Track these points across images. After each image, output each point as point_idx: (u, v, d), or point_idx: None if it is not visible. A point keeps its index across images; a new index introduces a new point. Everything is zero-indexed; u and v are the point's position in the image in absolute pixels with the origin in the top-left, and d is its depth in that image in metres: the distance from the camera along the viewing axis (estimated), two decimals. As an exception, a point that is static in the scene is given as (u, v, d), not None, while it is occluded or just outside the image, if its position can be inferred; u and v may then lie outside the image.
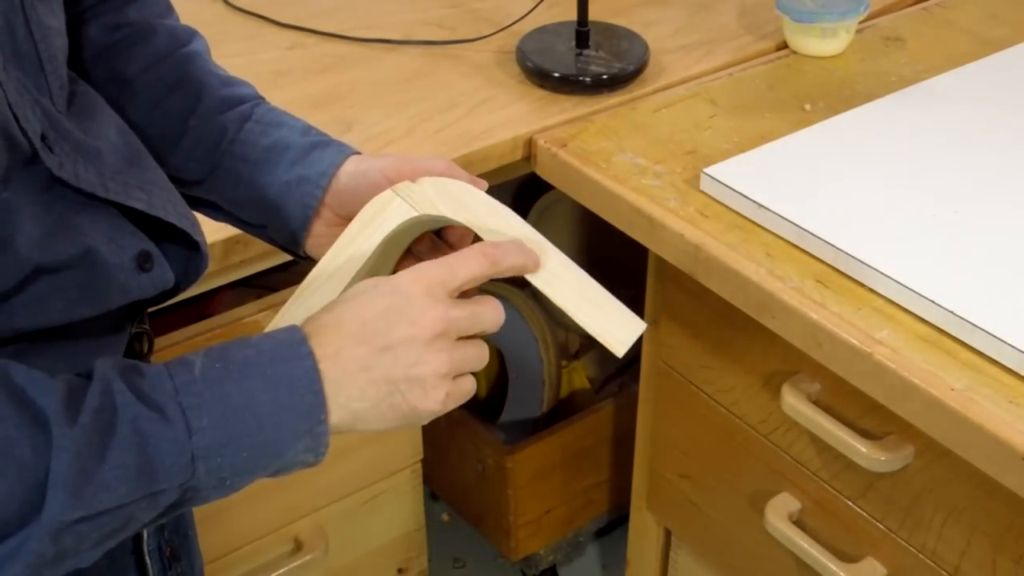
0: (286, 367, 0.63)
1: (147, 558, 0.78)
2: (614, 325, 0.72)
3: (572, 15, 1.28)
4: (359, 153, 0.82)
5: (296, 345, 0.64)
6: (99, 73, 0.81)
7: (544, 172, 1.17)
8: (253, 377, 0.62)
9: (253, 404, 0.62)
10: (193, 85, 0.82)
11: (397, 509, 1.36)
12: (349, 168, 0.80)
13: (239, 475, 0.64)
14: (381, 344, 0.65)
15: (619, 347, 0.72)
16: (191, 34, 0.85)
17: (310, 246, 0.81)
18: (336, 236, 0.77)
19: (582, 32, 1.28)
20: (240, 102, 0.83)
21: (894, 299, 0.94)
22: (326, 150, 0.81)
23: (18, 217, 0.63)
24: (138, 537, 0.77)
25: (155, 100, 0.81)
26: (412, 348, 0.65)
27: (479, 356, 0.69)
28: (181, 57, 0.83)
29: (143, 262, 0.70)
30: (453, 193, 0.74)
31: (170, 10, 0.86)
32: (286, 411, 0.63)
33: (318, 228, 0.81)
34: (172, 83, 0.82)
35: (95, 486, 0.59)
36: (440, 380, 0.66)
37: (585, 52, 1.28)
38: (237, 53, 1.32)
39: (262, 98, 0.85)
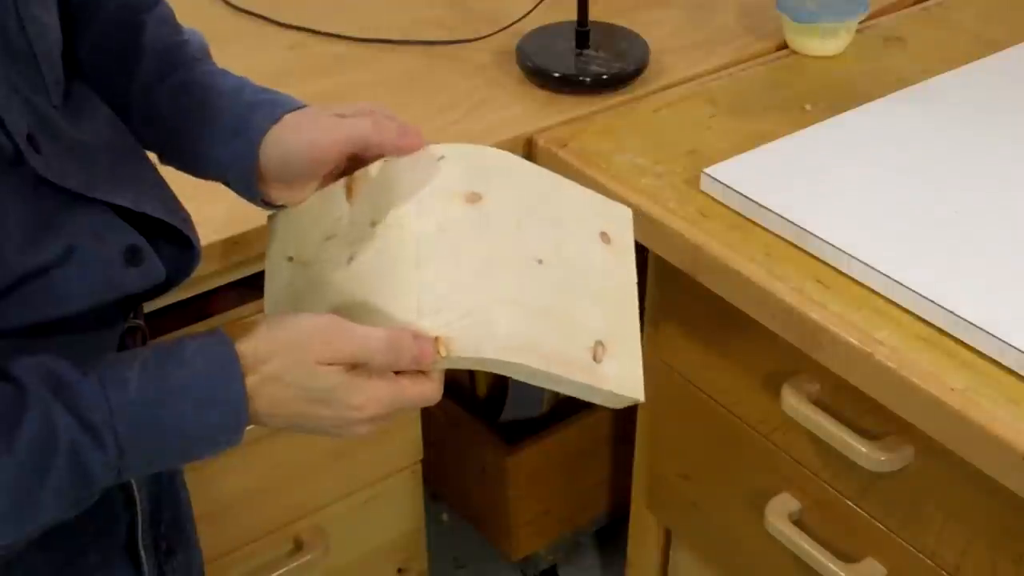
0: (219, 391, 0.65)
1: (141, 553, 0.78)
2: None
3: (572, 15, 1.28)
4: (292, 109, 0.78)
5: (228, 367, 0.66)
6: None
7: (544, 172, 1.17)
8: (186, 401, 0.64)
9: (182, 424, 0.65)
10: (131, 61, 0.80)
11: (397, 509, 1.36)
12: (271, 140, 0.77)
13: (157, 471, 0.69)
14: (306, 429, 0.70)
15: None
16: (149, 2, 0.82)
17: (275, 203, 0.81)
18: (294, 198, 0.79)
19: (582, 32, 1.28)
20: (172, 72, 0.80)
21: (894, 299, 0.94)
22: (256, 113, 0.78)
23: (2, 219, 0.63)
24: (132, 532, 0.77)
25: (104, 81, 0.80)
26: (327, 433, 0.70)
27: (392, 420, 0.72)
28: (126, 28, 0.81)
29: (131, 256, 0.70)
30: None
31: None
32: (211, 428, 0.66)
33: (273, 194, 0.79)
34: (115, 60, 0.80)
35: (33, 509, 0.61)
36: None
37: (585, 52, 1.28)
38: (237, 53, 1.32)
39: (198, 59, 0.82)
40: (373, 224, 0.75)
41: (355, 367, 0.68)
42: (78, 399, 0.62)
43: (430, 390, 0.70)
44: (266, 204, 0.80)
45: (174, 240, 0.75)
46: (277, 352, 0.67)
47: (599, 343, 0.75)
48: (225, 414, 0.65)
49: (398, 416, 0.71)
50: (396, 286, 0.72)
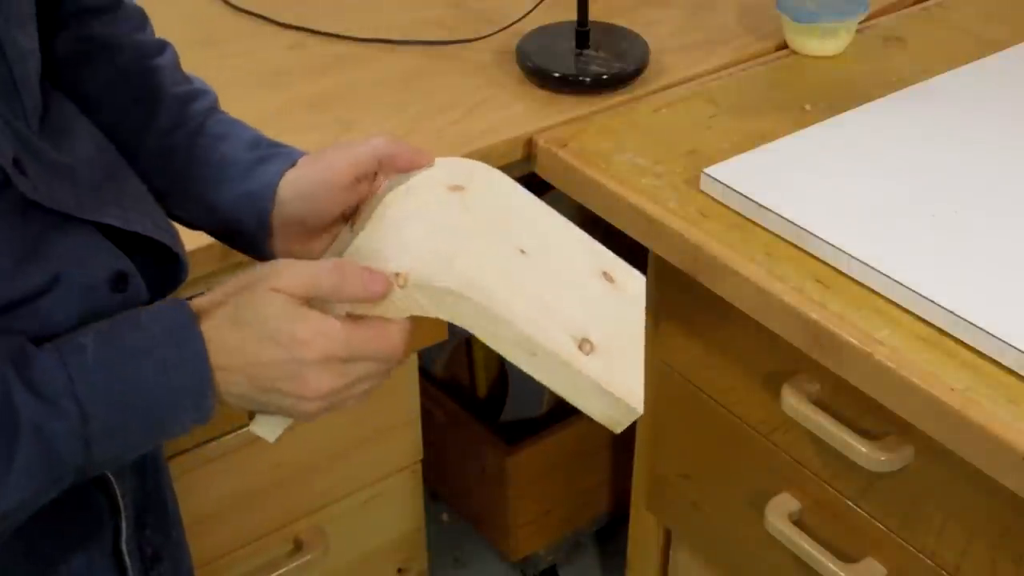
0: (177, 350, 0.64)
1: (126, 559, 0.77)
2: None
3: (572, 15, 1.28)
4: (303, 155, 0.80)
5: (186, 328, 0.65)
6: (60, 87, 0.78)
7: (544, 172, 1.17)
8: (145, 362, 0.64)
9: (144, 387, 0.64)
10: (148, 104, 0.80)
11: (397, 509, 1.36)
12: (285, 182, 0.78)
13: (131, 450, 0.67)
14: (265, 387, 0.67)
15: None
16: (161, 47, 0.83)
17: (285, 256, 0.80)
18: (300, 247, 0.79)
19: (582, 32, 1.28)
20: (190, 119, 0.81)
21: (894, 299, 0.94)
22: (271, 163, 0.79)
23: None
24: (116, 537, 0.77)
25: (114, 119, 0.80)
26: (288, 399, 0.68)
27: (361, 396, 0.70)
28: (142, 73, 0.81)
29: (117, 283, 0.70)
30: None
31: (142, 24, 0.84)
32: (175, 392, 0.65)
33: (278, 246, 0.79)
34: (129, 102, 0.80)
35: (2, 491, 0.60)
36: (299, 413, 0.70)
37: (585, 52, 1.28)
38: (237, 53, 1.32)
39: (215, 108, 0.83)
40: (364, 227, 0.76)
41: (307, 303, 0.66)
42: (35, 372, 0.61)
43: (390, 332, 0.67)
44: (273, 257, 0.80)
45: (161, 255, 0.75)
46: (232, 292, 0.66)
47: (587, 340, 0.71)
48: (186, 375, 0.64)
49: (357, 391, 0.69)
50: (373, 252, 0.71)
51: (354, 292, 0.67)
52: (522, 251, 0.73)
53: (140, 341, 0.64)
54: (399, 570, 1.42)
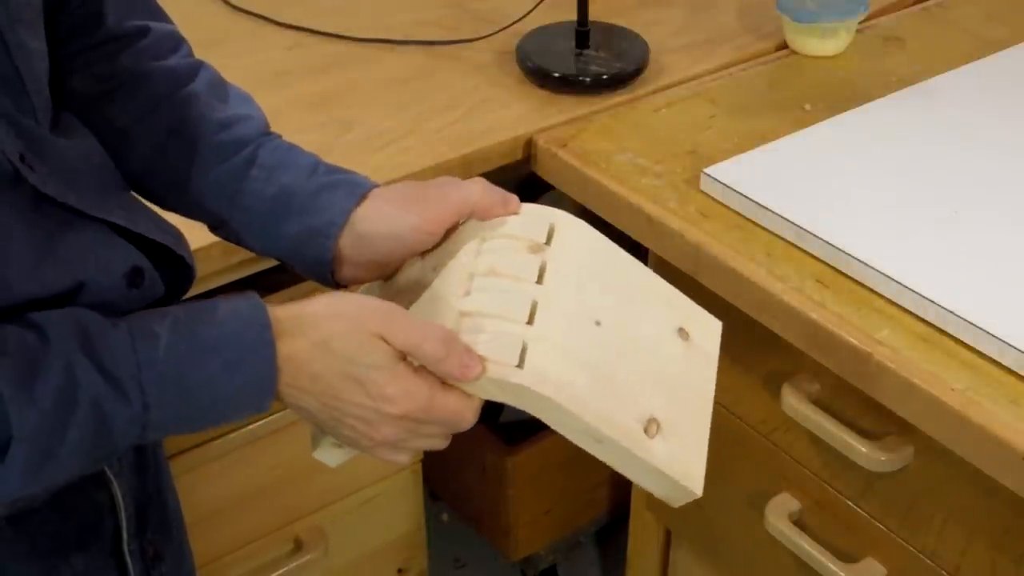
0: (247, 352, 0.65)
1: (127, 559, 0.77)
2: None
3: (572, 15, 1.28)
4: (374, 187, 0.78)
5: (260, 330, 0.65)
6: (91, 124, 0.76)
7: (544, 172, 1.17)
8: (215, 361, 0.64)
9: (209, 384, 0.64)
10: (189, 134, 0.78)
11: (397, 509, 1.36)
12: (368, 215, 0.76)
13: (184, 433, 0.68)
14: (335, 416, 0.68)
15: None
16: (194, 70, 0.81)
17: (346, 284, 0.80)
18: (370, 277, 0.78)
19: (582, 32, 1.28)
20: (240, 147, 0.78)
21: (894, 299, 0.94)
22: (335, 193, 0.77)
23: (8, 241, 0.63)
24: (118, 537, 0.77)
25: (153, 147, 0.78)
26: (353, 433, 0.69)
27: (418, 451, 0.72)
28: (178, 100, 0.78)
29: (134, 278, 0.70)
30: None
31: (175, 48, 0.81)
32: (239, 390, 0.65)
33: (346, 273, 0.78)
34: (168, 130, 0.78)
35: (52, 464, 0.61)
36: (359, 447, 0.71)
37: (585, 52, 1.28)
38: (237, 53, 1.32)
39: (266, 133, 0.81)
40: (435, 269, 0.75)
41: (404, 358, 0.67)
42: (104, 351, 0.62)
43: (466, 407, 0.69)
44: (336, 284, 0.79)
45: (167, 260, 0.75)
46: (334, 318, 0.67)
47: (654, 420, 0.71)
48: (253, 377, 0.65)
49: (419, 445, 0.70)
50: (441, 313, 0.71)
51: (450, 371, 0.67)
52: (597, 322, 0.73)
53: (213, 338, 0.64)
54: (399, 570, 1.42)
